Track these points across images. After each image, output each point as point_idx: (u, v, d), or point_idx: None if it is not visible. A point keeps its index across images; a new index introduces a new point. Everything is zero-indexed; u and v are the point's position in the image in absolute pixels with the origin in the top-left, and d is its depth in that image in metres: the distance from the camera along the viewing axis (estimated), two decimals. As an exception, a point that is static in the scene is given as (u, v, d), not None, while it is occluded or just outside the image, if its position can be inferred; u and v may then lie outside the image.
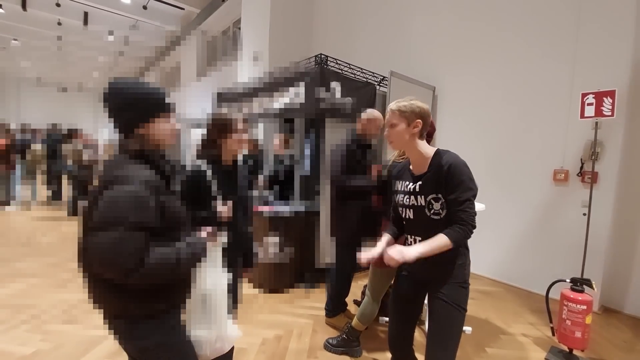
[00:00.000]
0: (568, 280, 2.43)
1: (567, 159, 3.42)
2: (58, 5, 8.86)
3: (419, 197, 1.40)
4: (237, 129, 1.66)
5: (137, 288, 1.03)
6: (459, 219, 1.31)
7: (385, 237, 1.58)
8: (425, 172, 1.40)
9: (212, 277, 1.30)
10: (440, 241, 1.31)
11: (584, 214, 3.03)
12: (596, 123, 2.63)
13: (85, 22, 9.78)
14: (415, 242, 1.45)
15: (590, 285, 2.35)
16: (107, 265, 0.97)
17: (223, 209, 1.44)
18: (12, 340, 2.36)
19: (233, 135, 1.64)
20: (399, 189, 1.50)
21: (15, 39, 11.73)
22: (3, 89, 16.98)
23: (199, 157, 1.63)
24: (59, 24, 10.15)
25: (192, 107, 9.66)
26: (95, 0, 8.82)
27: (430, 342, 1.43)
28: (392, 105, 1.45)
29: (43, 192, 7.83)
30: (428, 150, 1.43)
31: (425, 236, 1.38)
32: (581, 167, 3.31)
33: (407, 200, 1.44)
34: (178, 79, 12.45)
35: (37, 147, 8.20)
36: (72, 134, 7.38)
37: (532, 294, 3.55)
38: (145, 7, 9.27)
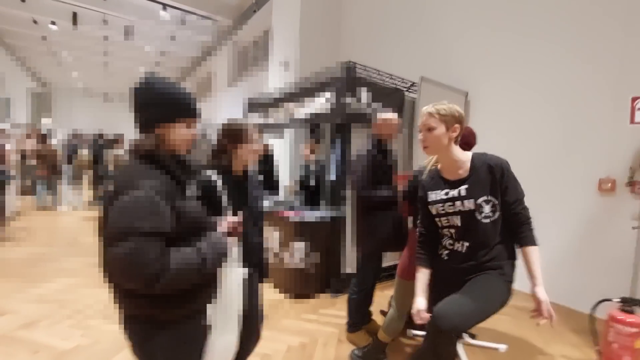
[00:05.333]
0: (616, 300, 2.24)
1: (614, 168, 3.17)
2: (105, 22, 9.58)
3: (465, 201, 1.36)
4: (250, 137, 1.61)
5: (163, 294, 1.02)
6: (524, 217, 1.38)
7: (423, 278, 1.50)
8: (468, 176, 1.38)
9: (225, 282, 1.24)
10: (537, 254, 1.37)
11: (634, 228, 2.79)
12: (648, 129, 2.43)
13: (127, 34, 10.47)
14: (463, 248, 1.42)
15: (642, 306, 2.15)
16: (127, 276, 0.96)
17: (233, 218, 1.37)
18: (56, 335, 2.53)
19: (245, 144, 1.60)
20: (434, 199, 1.44)
21: (67, 53, 12.80)
22: (56, 99, 18.57)
23: (208, 166, 1.57)
24: (105, 38, 10.96)
25: (224, 114, 9.99)
26: (137, 14, 9.41)
27: (462, 296, 1.34)
28: (429, 108, 1.40)
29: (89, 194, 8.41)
30: (462, 155, 1.41)
31: (475, 241, 1.38)
32: (631, 177, 3.05)
33: (451, 207, 1.39)
34: (211, 87, 12.97)
35: (84, 153, 8.82)
36: (117, 140, 7.89)
37: (574, 312, 3.30)
38: (183, 22, 9.76)
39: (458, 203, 1.37)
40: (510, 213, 1.36)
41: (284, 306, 3.17)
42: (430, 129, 1.37)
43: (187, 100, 1.14)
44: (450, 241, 1.45)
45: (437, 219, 1.46)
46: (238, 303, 1.29)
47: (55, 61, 14.10)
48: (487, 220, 1.35)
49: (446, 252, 1.47)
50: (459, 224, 1.39)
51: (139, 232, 0.95)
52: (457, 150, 1.41)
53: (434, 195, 1.44)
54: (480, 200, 1.33)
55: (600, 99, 3.25)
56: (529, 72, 3.79)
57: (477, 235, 1.37)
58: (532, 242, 1.37)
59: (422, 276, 1.50)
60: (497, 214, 1.34)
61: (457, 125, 1.37)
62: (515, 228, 1.39)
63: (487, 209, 1.34)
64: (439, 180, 1.44)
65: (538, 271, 1.33)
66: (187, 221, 1.08)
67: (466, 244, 1.40)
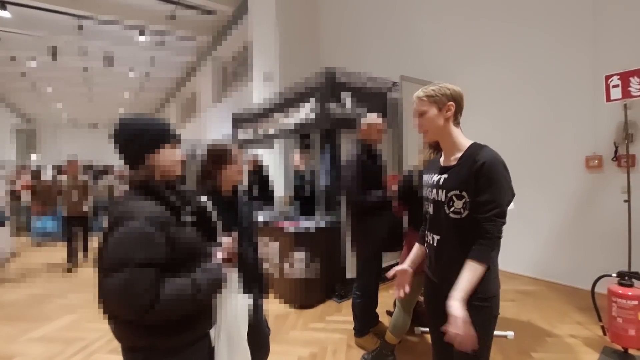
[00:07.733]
0: (614, 275, 2.28)
1: (599, 144, 3.24)
2: (84, 52, 9.58)
3: (440, 191, 1.29)
4: (233, 157, 1.63)
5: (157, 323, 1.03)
6: (483, 230, 1.17)
7: (416, 251, 1.49)
8: (454, 165, 1.28)
9: (228, 307, 1.25)
10: (474, 270, 1.17)
11: (625, 201, 2.85)
12: (625, 105, 2.49)
13: (107, 62, 10.44)
14: (433, 241, 1.35)
15: (639, 278, 2.19)
16: (121, 306, 0.99)
17: (227, 240, 1.33)
18: (64, 373, 2.50)
19: (229, 164, 1.61)
20: (427, 181, 1.40)
21: (48, 87, 12.74)
22: (42, 134, 18.42)
23: (198, 190, 1.57)
24: (85, 69, 10.94)
25: (213, 131, 9.98)
26: (115, 41, 9.41)
27: None
28: (418, 93, 1.34)
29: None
30: (463, 140, 1.30)
31: (443, 236, 1.30)
32: (615, 151, 3.12)
33: (430, 193, 1.35)
34: (197, 106, 12.96)
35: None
36: (107, 170, 7.85)
37: (577, 290, 3.34)
38: (163, 43, 9.79)
39: (435, 191, 1.32)
40: (476, 216, 1.19)
41: (290, 317, 3.16)
42: (422, 114, 1.31)
43: (166, 127, 1.20)
44: (427, 232, 1.41)
45: (425, 203, 1.42)
46: (243, 327, 1.30)
47: (37, 96, 14.01)
48: (456, 216, 1.24)
49: (426, 240, 1.43)
50: (431, 213, 1.36)
51: (133, 264, 0.97)
52: (457, 133, 1.30)
53: (427, 177, 1.41)
54: (452, 193, 1.24)
55: (579, 78, 3.33)
56: (508, 59, 3.88)
57: (444, 230, 1.29)
58: (476, 259, 1.17)
59: (416, 249, 1.49)
60: (467, 212, 1.22)
61: (450, 104, 1.28)
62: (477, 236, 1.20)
63: (458, 204, 1.23)
64: (437, 163, 1.40)
65: (462, 284, 1.16)
66: (183, 248, 1.10)
67: (436, 237, 1.33)
